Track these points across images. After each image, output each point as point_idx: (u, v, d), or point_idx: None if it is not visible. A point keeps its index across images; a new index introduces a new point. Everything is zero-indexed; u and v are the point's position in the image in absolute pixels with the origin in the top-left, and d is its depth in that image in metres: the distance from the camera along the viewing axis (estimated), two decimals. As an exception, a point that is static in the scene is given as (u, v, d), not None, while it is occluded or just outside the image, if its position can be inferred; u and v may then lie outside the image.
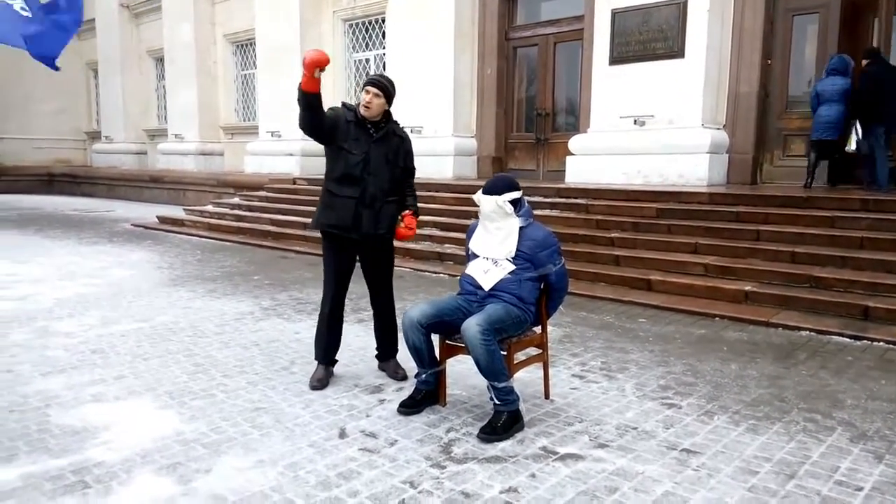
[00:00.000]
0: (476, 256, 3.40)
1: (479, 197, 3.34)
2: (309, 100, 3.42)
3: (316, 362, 3.88)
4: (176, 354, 4.34)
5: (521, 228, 3.31)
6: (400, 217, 3.78)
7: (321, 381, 3.76)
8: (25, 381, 3.81)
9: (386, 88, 3.63)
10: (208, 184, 14.20)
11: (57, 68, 11.07)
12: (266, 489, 2.60)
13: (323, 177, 3.84)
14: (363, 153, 3.61)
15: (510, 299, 3.25)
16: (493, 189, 3.30)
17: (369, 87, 3.59)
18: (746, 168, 8.59)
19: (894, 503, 2.53)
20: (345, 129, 3.63)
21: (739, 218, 6.77)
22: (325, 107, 3.55)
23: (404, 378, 3.82)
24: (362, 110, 3.61)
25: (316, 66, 3.32)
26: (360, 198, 3.63)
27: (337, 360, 3.94)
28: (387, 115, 3.71)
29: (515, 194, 3.30)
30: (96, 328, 4.96)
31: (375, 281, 3.91)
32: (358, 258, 3.84)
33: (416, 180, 3.95)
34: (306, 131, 3.60)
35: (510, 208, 3.27)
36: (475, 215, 3.48)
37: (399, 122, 3.86)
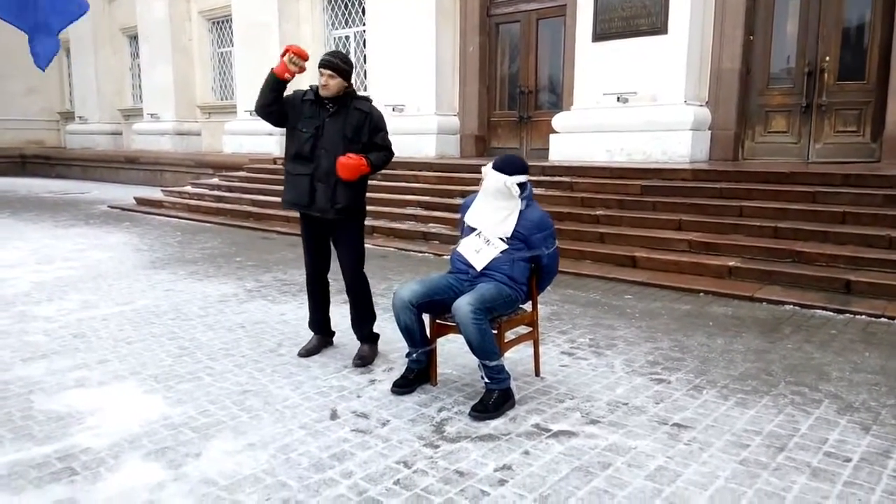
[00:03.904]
0: (470, 231, 3.36)
1: (487, 170, 3.30)
2: (275, 84, 3.59)
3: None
4: (159, 338, 4.27)
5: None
6: None
7: (307, 351, 3.91)
8: (6, 367, 3.72)
9: (338, 66, 3.58)
10: (186, 164, 13.97)
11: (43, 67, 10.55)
12: (258, 472, 2.57)
13: None
14: (314, 129, 3.62)
15: (502, 278, 3.22)
16: (504, 168, 3.25)
17: (322, 70, 3.58)
18: (729, 144, 8.61)
19: (883, 473, 2.57)
20: (299, 108, 3.67)
21: (722, 194, 6.80)
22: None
23: (359, 365, 3.75)
24: (322, 91, 3.61)
25: (290, 52, 3.51)
26: (313, 174, 3.64)
27: (334, 332, 4.08)
28: (348, 91, 3.67)
29: (524, 178, 3.27)
30: (76, 312, 4.87)
31: (341, 260, 3.84)
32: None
33: (399, 159, 3.84)
34: (261, 113, 3.69)
35: (517, 191, 3.23)
36: (460, 194, 3.45)
37: (371, 98, 3.80)
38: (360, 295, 3.85)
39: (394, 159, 3.92)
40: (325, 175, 3.61)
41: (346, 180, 3.58)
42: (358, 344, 3.91)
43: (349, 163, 3.53)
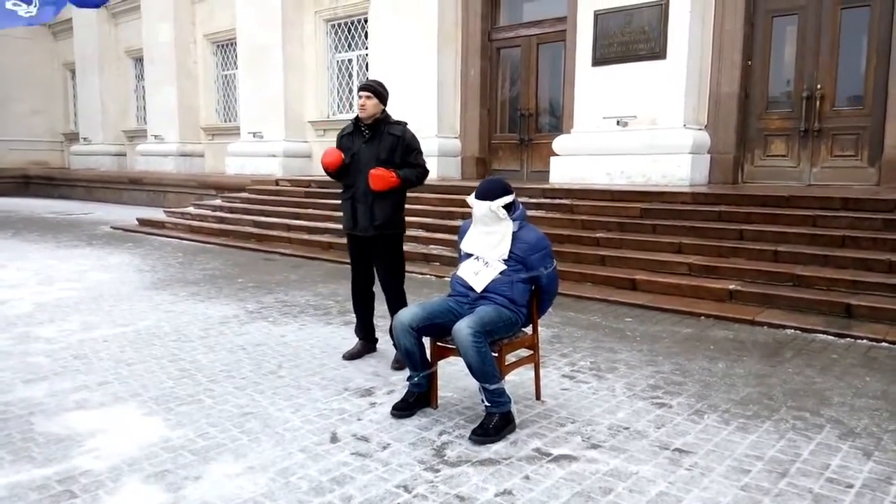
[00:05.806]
0: (468, 257, 3.38)
1: (471, 201, 3.35)
2: (333, 175, 4.12)
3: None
4: (160, 359, 4.27)
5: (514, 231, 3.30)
6: None
7: (351, 354, 4.26)
8: (7, 388, 3.72)
9: (374, 89, 3.95)
10: (189, 185, 14.04)
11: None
12: (258, 496, 2.57)
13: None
14: (351, 156, 3.98)
15: (502, 301, 3.24)
16: (486, 194, 3.29)
17: (360, 92, 3.95)
18: (728, 168, 8.67)
19: (885, 500, 2.56)
20: (346, 144, 4.06)
21: (722, 217, 6.83)
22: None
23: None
24: (359, 112, 3.97)
25: (326, 168, 4.02)
26: (353, 197, 4.02)
27: (377, 339, 4.41)
28: (384, 114, 4.01)
29: (508, 199, 3.29)
30: (78, 333, 4.88)
31: (380, 276, 4.19)
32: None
33: None
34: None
35: (503, 213, 3.27)
36: (461, 216, 3.49)
37: (405, 122, 4.11)
38: (397, 306, 4.06)
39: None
40: (362, 195, 3.98)
41: (377, 191, 3.87)
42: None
43: (377, 173, 3.84)
